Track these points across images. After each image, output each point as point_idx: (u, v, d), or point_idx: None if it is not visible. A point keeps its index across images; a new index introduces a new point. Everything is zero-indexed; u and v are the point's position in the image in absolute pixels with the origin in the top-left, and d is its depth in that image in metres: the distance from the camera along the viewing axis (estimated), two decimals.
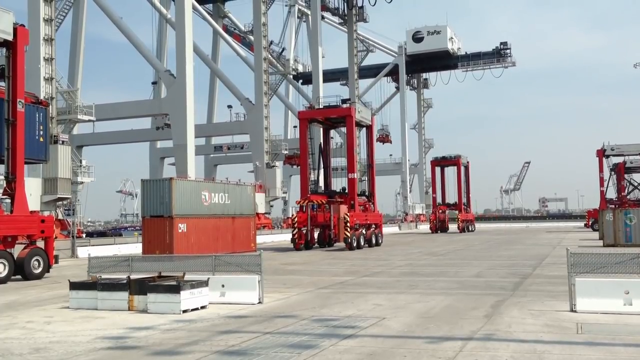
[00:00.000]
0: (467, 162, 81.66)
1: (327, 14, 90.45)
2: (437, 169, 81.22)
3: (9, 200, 24.79)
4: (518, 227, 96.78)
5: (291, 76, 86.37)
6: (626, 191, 75.40)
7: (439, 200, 79.31)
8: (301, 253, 39.82)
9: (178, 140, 53.43)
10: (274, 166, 66.43)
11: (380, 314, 14.05)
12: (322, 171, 49.41)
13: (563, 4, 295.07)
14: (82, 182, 55.74)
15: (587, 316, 13.24)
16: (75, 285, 16.12)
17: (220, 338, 11.65)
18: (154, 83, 75.15)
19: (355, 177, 46.38)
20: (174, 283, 15.07)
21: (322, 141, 50.83)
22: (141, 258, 19.22)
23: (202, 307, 15.08)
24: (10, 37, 24.14)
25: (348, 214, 42.23)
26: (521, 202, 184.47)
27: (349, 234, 41.02)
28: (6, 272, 22.93)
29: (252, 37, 76.39)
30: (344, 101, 49.43)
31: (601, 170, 71.13)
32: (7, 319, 14.47)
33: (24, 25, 25.14)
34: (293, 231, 43.73)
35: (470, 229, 77.59)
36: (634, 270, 13.81)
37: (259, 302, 15.99)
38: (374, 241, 45.17)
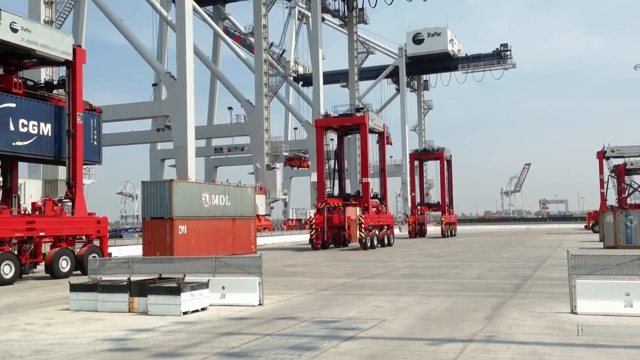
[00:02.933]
0: (450, 156, 72.21)
1: (327, 16, 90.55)
2: (418, 164, 71.76)
3: (69, 203, 27.27)
4: (518, 228, 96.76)
5: (291, 78, 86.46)
6: (626, 193, 75.36)
7: (418, 199, 69.71)
8: (316, 253, 41.07)
9: (178, 142, 53.46)
10: (274, 168, 66.50)
11: (380, 316, 14.04)
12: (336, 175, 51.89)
13: (561, 6, 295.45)
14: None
15: (588, 318, 13.23)
16: (75, 287, 16.12)
17: (220, 340, 11.64)
18: (154, 85, 75.21)
19: (369, 181, 48.43)
20: (174, 285, 15.07)
21: (336, 147, 53.22)
22: (141, 260, 19.21)
23: (203, 309, 15.08)
24: (70, 57, 26.58)
25: (362, 215, 44.87)
26: (522, 204, 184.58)
27: (363, 235, 43.31)
28: (69, 267, 25.29)
29: (252, 39, 76.51)
30: (358, 110, 52.21)
31: (601, 172, 71.08)
32: (8, 321, 14.47)
33: (80, 46, 27.60)
34: (311, 232, 45.92)
35: (452, 232, 68.23)
36: (634, 272, 13.80)
37: (260, 304, 15.98)
38: (386, 241, 47.44)
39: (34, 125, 25.82)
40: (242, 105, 69.62)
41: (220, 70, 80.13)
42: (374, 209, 48.80)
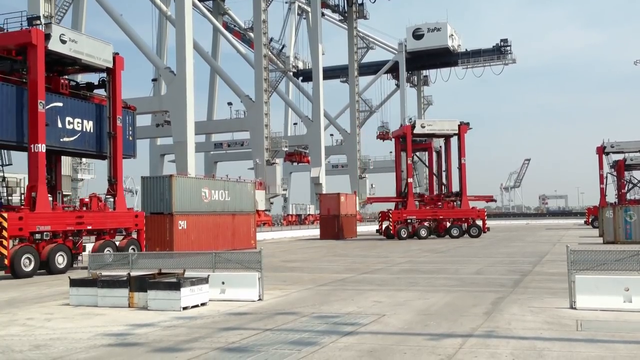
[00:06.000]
0: (440, 147, 68.46)
1: (327, 11, 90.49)
2: (404, 155, 66.39)
3: (111, 199, 29.34)
4: (518, 224, 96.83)
5: (291, 73, 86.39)
6: (626, 188, 75.38)
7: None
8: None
9: (178, 137, 53.44)
10: (274, 163, 66.45)
11: (380, 311, 14.06)
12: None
13: (560, 1, 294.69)
14: (82, 179, 55.81)
15: (587, 313, 13.26)
16: (75, 282, 16.13)
17: (220, 335, 11.66)
18: (154, 80, 75.06)
19: (410, 181, 53.66)
20: (174, 280, 15.08)
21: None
22: (141, 255, 19.23)
23: (202, 304, 15.10)
24: (110, 65, 28.66)
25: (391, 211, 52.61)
26: (521, 200, 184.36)
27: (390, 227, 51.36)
28: (111, 258, 25.33)
29: (252, 34, 76.32)
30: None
31: (601, 167, 71.09)
32: (8, 316, 14.49)
33: (118, 53, 29.39)
34: (384, 224, 54.32)
35: None
36: (633, 268, 13.83)
37: (259, 299, 16.00)
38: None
39: (78, 122, 28.02)
40: (242, 101, 69.55)
41: (220, 66, 79.93)
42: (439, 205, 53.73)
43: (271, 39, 76.64)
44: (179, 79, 52.43)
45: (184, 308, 14.53)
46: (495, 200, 65.22)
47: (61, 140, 27.11)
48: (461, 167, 53.90)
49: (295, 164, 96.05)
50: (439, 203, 54.62)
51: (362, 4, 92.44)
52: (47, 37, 25.16)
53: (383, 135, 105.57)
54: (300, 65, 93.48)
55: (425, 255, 32.87)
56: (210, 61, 76.27)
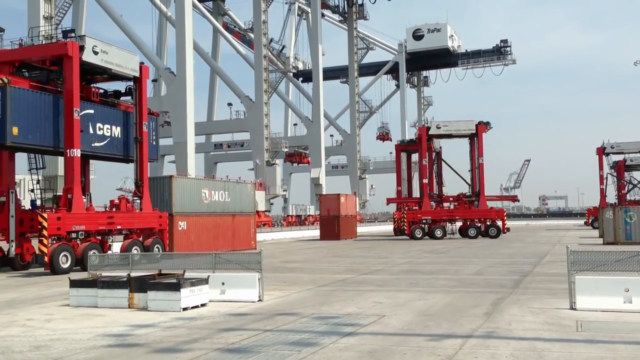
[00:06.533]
0: (440, 148, 66.16)
1: (327, 12, 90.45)
2: (404, 156, 67.15)
3: (138, 201, 30.88)
4: (518, 224, 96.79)
5: (291, 74, 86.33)
6: (626, 189, 75.39)
7: (405, 193, 66.01)
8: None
9: (178, 138, 53.43)
10: (274, 164, 66.43)
11: (380, 312, 14.06)
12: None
13: (560, 2, 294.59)
14: (82, 180, 55.62)
15: (587, 314, 13.25)
16: (75, 283, 16.12)
17: (220, 336, 11.66)
18: (154, 81, 75.08)
19: (426, 182, 54.79)
20: (174, 281, 15.08)
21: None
22: (141, 256, 19.23)
23: (202, 305, 15.09)
24: (137, 74, 30.23)
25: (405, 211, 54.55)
26: (521, 200, 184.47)
27: (405, 227, 52.90)
28: (139, 256, 26.96)
29: (252, 35, 76.30)
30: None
31: (601, 168, 71.15)
32: (8, 317, 14.48)
33: (142, 63, 31.07)
34: (394, 223, 60.14)
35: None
36: (633, 268, 13.81)
37: (259, 300, 16.00)
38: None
39: (107, 128, 29.64)
40: (242, 101, 69.53)
41: (220, 66, 79.97)
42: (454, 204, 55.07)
43: (271, 40, 76.63)
44: (179, 79, 52.44)
45: (184, 309, 14.52)
46: (519, 201, 64.74)
47: (92, 145, 28.64)
48: (479, 167, 53.83)
49: (295, 164, 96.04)
50: (455, 203, 54.36)
51: (362, 5, 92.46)
52: (82, 48, 26.68)
53: (383, 136, 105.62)
54: (300, 66, 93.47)
55: (426, 256, 32.86)
56: (210, 62, 76.28)
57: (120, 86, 31.79)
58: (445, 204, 55.36)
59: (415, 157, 77.49)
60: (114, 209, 29.72)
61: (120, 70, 29.06)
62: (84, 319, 13.93)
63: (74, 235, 26.40)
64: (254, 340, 11.21)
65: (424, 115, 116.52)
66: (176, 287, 14.64)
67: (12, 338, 11.86)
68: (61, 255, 25.10)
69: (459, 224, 53.52)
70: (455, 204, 54.71)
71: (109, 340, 11.45)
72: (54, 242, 25.37)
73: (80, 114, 27.11)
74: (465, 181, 55.50)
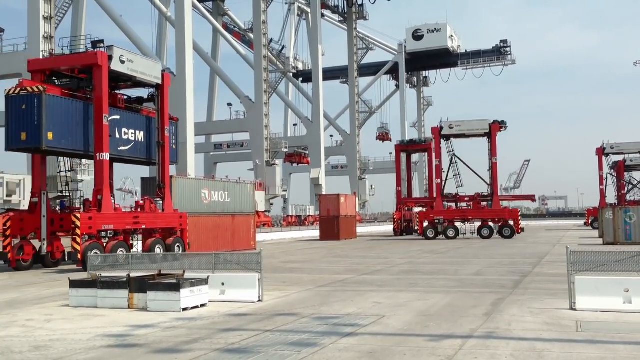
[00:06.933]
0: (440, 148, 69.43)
1: (327, 12, 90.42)
2: (404, 156, 68.07)
3: (160, 201, 32.04)
4: None
5: (291, 74, 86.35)
6: (626, 189, 75.42)
7: (405, 193, 66.40)
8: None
9: (178, 138, 53.27)
10: (274, 164, 66.41)
11: (380, 312, 14.06)
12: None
13: (559, 2, 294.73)
14: (82, 180, 55.61)
15: (587, 314, 13.26)
16: (75, 283, 16.12)
17: (220, 336, 11.65)
18: None
19: (439, 182, 55.47)
20: (173, 281, 15.07)
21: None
22: (141, 256, 19.23)
23: (202, 305, 15.09)
24: (160, 81, 31.39)
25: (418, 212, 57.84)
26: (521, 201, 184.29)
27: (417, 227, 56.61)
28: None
29: (252, 35, 76.32)
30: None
31: (601, 168, 71.18)
32: (7, 317, 14.48)
33: (165, 70, 32.51)
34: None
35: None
36: (633, 269, 13.82)
37: (259, 300, 16.00)
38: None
39: (132, 133, 30.94)
40: (242, 102, 69.51)
41: (220, 67, 79.98)
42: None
43: (271, 40, 76.64)
44: (179, 80, 52.38)
45: (184, 309, 14.52)
46: (535, 200, 64.28)
47: (118, 149, 29.90)
48: (492, 167, 53.73)
49: (295, 165, 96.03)
50: (470, 203, 54.01)
51: (362, 5, 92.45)
52: (110, 58, 27.97)
53: (383, 136, 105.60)
54: (300, 66, 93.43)
55: (425, 256, 32.86)
56: (210, 62, 76.28)
57: (141, 92, 33.02)
58: (461, 204, 54.88)
59: (415, 157, 78.26)
60: (139, 210, 31.05)
61: (145, 78, 30.39)
62: (83, 319, 13.93)
63: (103, 234, 27.86)
64: (254, 340, 11.21)
65: (424, 115, 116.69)
66: (176, 287, 14.64)
67: (12, 338, 11.86)
68: (92, 252, 25.72)
69: (477, 223, 53.03)
70: (470, 204, 54.34)
71: (109, 341, 11.45)
72: (86, 240, 26.70)
73: (109, 119, 28.57)
74: (484, 181, 55.25)
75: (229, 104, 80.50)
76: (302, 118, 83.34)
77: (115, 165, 32.35)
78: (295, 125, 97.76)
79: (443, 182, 55.24)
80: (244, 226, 40.03)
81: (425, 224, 52.77)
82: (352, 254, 36.29)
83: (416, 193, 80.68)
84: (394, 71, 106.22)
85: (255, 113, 66.24)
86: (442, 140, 55.14)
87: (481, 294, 17.06)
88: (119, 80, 30.05)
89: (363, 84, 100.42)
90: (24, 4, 43.29)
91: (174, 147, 33.65)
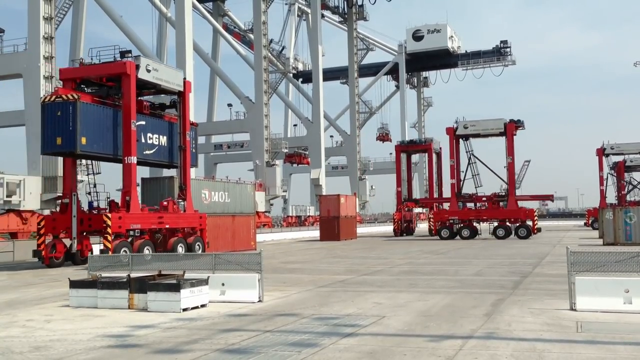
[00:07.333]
0: (440, 149, 68.84)
1: (327, 13, 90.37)
2: (404, 157, 68.22)
3: (182, 203, 33.39)
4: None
5: (291, 75, 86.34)
6: (626, 190, 75.44)
7: (405, 194, 66.40)
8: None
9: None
10: (274, 165, 66.38)
11: (380, 313, 14.06)
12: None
13: (559, 3, 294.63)
14: (82, 181, 55.59)
15: (587, 315, 13.26)
16: (75, 284, 16.12)
17: (220, 336, 11.65)
18: None
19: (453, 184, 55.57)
20: (174, 281, 15.08)
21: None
22: (141, 256, 19.23)
23: (202, 306, 15.09)
24: (182, 89, 33.04)
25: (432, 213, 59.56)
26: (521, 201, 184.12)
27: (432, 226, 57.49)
28: (182, 252, 31.05)
29: (252, 36, 76.29)
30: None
31: (601, 169, 71.16)
32: (7, 317, 14.48)
33: (186, 78, 33.96)
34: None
35: None
36: (633, 269, 13.81)
37: (259, 301, 16.00)
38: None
39: (156, 137, 32.66)
40: (242, 102, 69.48)
41: (220, 67, 79.94)
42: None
43: (271, 41, 76.62)
44: None
45: (184, 309, 14.52)
46: (554, 200, 64.22)
47: (143, 153, 31.43)
48: (508, 167, 53.64)
49: (295, 165, 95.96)
50: (485, 203, 53.73)
51: (362, 6, 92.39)
52: (137, 67, 29.58)
53: (383, 137, 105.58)
54: (300, 67, 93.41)
55: (425, 256, 32.86)
56: (210, 62, 76.26)
57: (161, 98, 34.33)
58: (475, 204, 54.65)
59: (415, 157, 78.56)
60: (163, 210, 32.15)
61: (168, 86, 32.02)
62: (83, 319, 13.93)
63: (131, 232, 29.39)
64: (254, 341, 11.21)
65: (424, 116, 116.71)
66: (176, 287, 14.64)
67: (12, 339, 11.86)
68: (122, 250, 27.56)
69: (495, 224, 52.69)
70: (485, 204, 53.97)
71: (109, 341, 11.45)
72: (116, 239, 28.21)
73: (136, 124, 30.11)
74: (502, 179, 55.16)
75: (229, 105, 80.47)
76: (302, 118, 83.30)
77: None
78: (295, 125, 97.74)
79: (461, 182, 54.89)
80: (244, 226, 40.02)
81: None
82: (352, 254, 36.29)
83: (416, 193, 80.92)
84: (394, 72, 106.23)
85: (256, 113, 66.22)
86: (459, 140, 54.90)
87: (481, 294, 17.06)
88: (144, 87, 31.41)
89: (363, 84, 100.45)
90: (24, 5, 43.23)
91: (194, 150, 35.24)
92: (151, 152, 32.27)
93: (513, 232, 50.79)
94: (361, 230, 70.34)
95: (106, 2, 57.69)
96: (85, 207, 30.67)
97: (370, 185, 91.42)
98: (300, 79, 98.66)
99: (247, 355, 10.14)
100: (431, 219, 59.19)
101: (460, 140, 54.88)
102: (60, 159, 39.61)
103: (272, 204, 70.19)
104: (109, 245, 27.60)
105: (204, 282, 15.36)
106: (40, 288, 20.85)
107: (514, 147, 53.47)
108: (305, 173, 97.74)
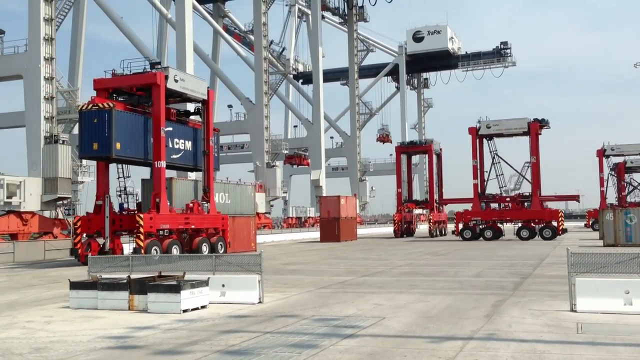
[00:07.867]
0: (440, 150, 69.55)
1: (327, 14, 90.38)
2: (404, 158, 68.67)
3: (206, 204, 34.79)
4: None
5: (291, 76, 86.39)
6: (626, 191, 75.44)
7: (405, 195, 66.90)
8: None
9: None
10: (274, 166, 66.38)
11: (380, 314, 14.05)
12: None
13: (559, 4, 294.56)
14: (82, 182, 55.64)
15: (587, 316, 13.25)
16: (75, 285, 16.12)
17: (220, 338, 11.65)
18: None
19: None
20: (174, 283, 15.08)
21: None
22: (141, 257, 19.23)
23: (203, 307, 15.09)
24: (205, 97, 34.87)
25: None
26: None
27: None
28: (207, 251, 33.13)
29: (252, 37, 76.34)
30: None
31: (601, 170, 71.19)
32: (8, 319, 14.48)
33: (209, 87, 35.90)
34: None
35: (442, 232, 64.32)
36: (634, 270, 13.81)
37: (259, 302, 15.99)
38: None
39: (182, 142, 34.65)
40: (242, 103, 69.49)
41: (220, 68, 79.98)
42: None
43: (271, 42, 76.68)
44: None
45: (184, 311, 14.52)
46: (579, 201, 63.56)
47: (171, 157, 33.18)
48: (531, 167, 53.48)
49: (295, 166, 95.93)
50: (509, 204, 53.32)
51: (362, 7, 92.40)
52: (166, 77, 31.36)
53: (383, 138, 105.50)
54: (301, 68, 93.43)
55: (426, 258, 32.85)
56: (211, 64, 76.27)
57: (186, 105, 36.75)
58: (498, 205, 54.29)
59: (415, 159, 78.67)
60: (189, 212, 33.63)
61: (193, 95, 33.98)
62: (84, 321, 13.93)
63: (161, 232, 31.09)
64: (254, 342, 11.21)
65: (424, 117, 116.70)
66: (176, 289, 14.64)
67: (12, 340, 11.86)
68: (152, 249, 29.41)
69: (519, 224, 52.12)
70: (508, 204, 53.48)
71: (109, 342, 11.45)
72: (146, 238, 29.65)
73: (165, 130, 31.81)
74: (527, 180, 55.05)
75: (229, 106, 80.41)
76: (303, 120, 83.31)
77: (139, 168, 34.26)
78: (295, 126, 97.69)
79: (484, 182, 54.69)
80: (244, 228, 40.00)
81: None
82: (352, 255, 36.28)
83: (416, 194, 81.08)
84: (394, 73, 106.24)
85: (256, 115, 66.23)
86: (481, 140, 54.76)
87: (482, 295, 17.05)
88: (172, 96, 33.27)
89: (363, 85, 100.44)
90: (25, 6, 43.21)
91: (216, 155, 36.81)
92: (177, 156, 34.13)
93: (537, 232, 50.20)
94: (361, 231, 70.34)
95: (107, 4, 57.75)
96: (116, 208, 32.17)
97: (371, 186, 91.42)
98: (301, 80, 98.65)
99: (247, 356, 10.13)
100: (431, 220, 61.00)
101: (485, 140, 54.62)
102: (60, 160, 39.97)
103: (272, 205, 70.16)
104: (142, 244, 28.99)
105: (204, 283, 15.35)
106: (40, 289, 20.84)
107: (539, 147, 52.89)
108: (306, 174, 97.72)
